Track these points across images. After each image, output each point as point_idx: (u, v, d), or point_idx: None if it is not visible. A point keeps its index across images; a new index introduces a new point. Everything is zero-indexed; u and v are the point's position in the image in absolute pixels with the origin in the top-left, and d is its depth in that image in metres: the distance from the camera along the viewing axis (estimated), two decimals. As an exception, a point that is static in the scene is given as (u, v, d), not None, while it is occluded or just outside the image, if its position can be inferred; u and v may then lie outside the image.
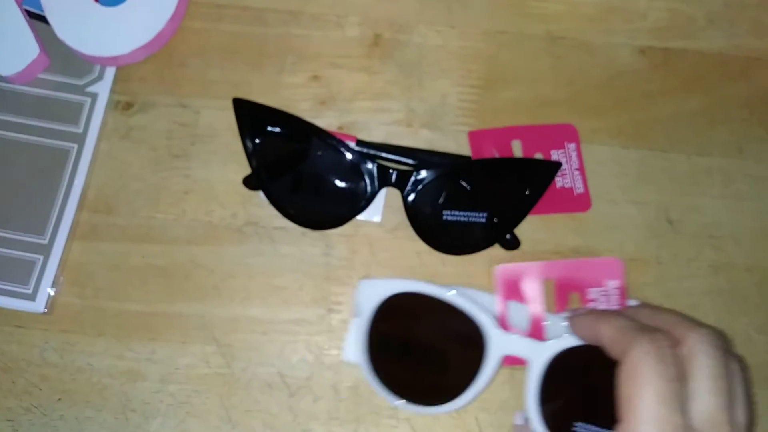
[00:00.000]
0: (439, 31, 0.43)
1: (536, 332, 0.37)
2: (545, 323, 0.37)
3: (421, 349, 0.37)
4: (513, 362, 0.37)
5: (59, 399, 0.37)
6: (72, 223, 0.39)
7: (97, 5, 0.40)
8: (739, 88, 0.43)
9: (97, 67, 0.41)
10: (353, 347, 0.37)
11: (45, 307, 0.38)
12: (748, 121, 0.42)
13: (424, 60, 0.42)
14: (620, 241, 0.40)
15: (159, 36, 0.40)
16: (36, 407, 0.37)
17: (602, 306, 0.38)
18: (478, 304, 0.36)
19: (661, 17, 0.43)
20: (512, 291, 0.38)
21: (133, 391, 0.38)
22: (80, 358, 0.38)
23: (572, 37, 0.43)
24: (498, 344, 0.35)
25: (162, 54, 0.42)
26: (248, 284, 0.39)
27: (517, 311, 0.38)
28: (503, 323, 0.37)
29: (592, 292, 0.38)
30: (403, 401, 0.36)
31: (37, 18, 0.41)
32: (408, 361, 0.37)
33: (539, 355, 0.35)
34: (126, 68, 0.41)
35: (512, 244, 0.39)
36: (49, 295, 0.38)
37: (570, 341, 0.34)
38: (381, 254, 0.39)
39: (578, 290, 0.38)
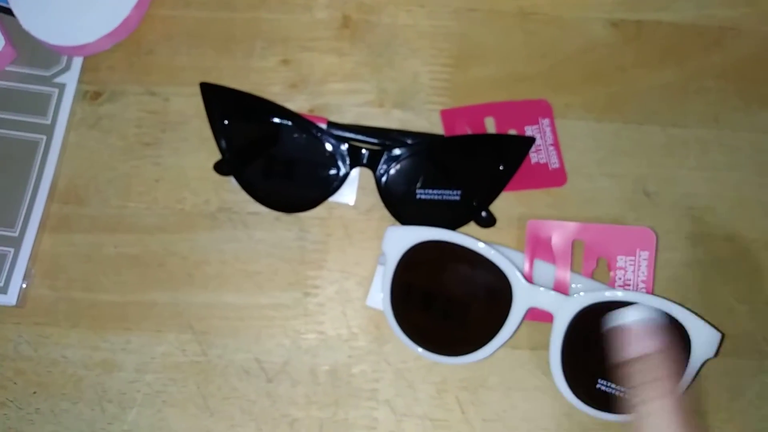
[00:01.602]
0: (408, 10, 0.42)
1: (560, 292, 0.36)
2: (571, 284, 0.37)
3: (446, 298, 0.37)
4: (536, 317, 0.37)
5: (34, 392, 0.37)
6: (42, 215, 0.38)
7: (62, -6, 0.40)
8: (714, 58, 0.42)
9: (64, 58, 0.40)
10: (377, 295, 0.37)
11: (17, 300, 0.37)
12: (723, 90, 0.42)
13: (394, 40, 0.42)
14: (597, 214, 0.39)
15: (125, 23, 0.40)
16: (11, 401, 0.37)
17: (629, 273, 0.38)
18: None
19: (631, -11, 0.43)
20: (541, 248, 0.38)
21: (108, 382, 0.37)
22: (55, 350, 0.37)
23: (544, 13, 0.43)
24: (524, 296, 0.35)
25: (130, 42, 0.41)
26: (223, 270, 0.38)
27: (543, 270, 0.37)
28: (528, 280, 0.37)
29: (621, 260, 0.38)
30: (424, 351, 0.36)
31: (2, 11, 0.41)
32: (432, 310, 0.37)
33: (565, 309, 0.34)
34: (94, 58, 0.41)
35: (488, 221, 0.39)
36: (21, 287, 0.37)
37: (597, 296, 0.34)
38: (356, 236, 0.39)
39: (607, 256, 0.38)
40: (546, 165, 0.40)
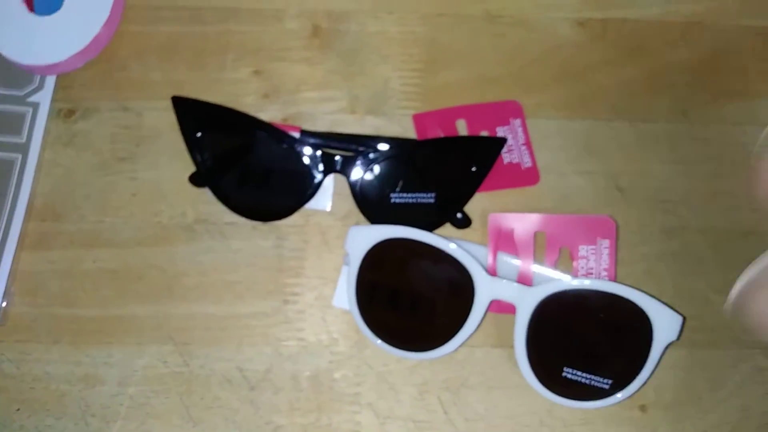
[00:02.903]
0: (377, 17, 0.43)
1: (524, 283, 0.37)
2: (534, 275, 0.37)
3: (410, 294, 0.37)
4: (500, 309, 0.37)
5: (18, 409, 0.37)
6: (20, 233, 0.38)
7: (32, 15, 0.41)
8: (680, 52, 0.43)
9: (37, 77, 0.41)
10: (343, 294, 0.37)
11: (-3, 319, 0.37)
12: (691, 85, 0.42)
13: (364, 47, 0.42)
14: (571, 211, 0.40)
15: (95, 41, 0.40)
16: (-5, 420, 0.37)
17: (592, 262, 0.38)
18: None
19: (596, -12, 0.44)
20: (504, 240, 0.38)
21: (92, 397, 0.37)
22: (37, 366, 0.38)
23: (510, 15, 0.43)
24: (486, 289, 0.35)
25: (101, 59, 0.42)
26: (202, 281, 0.39)
27: (506, 263, 0.38)
28: (492, 274, 0.37)
29: (583, 249, 0.38)
30: (390, 347, 0.37)
31: (-26, 33, 0.41)
32: (397, 307, 0.37)
33: (527, 300, 0.35)
34: (67, 76, 0.41)
35: (463, 222, 0.39)
36: (2, 306, 0.37)
37: (558, 286, 0.34)
38: (333, 242, 0.39)
39: (569, 245, 0.38)
40: (519, 165, 0.40)
